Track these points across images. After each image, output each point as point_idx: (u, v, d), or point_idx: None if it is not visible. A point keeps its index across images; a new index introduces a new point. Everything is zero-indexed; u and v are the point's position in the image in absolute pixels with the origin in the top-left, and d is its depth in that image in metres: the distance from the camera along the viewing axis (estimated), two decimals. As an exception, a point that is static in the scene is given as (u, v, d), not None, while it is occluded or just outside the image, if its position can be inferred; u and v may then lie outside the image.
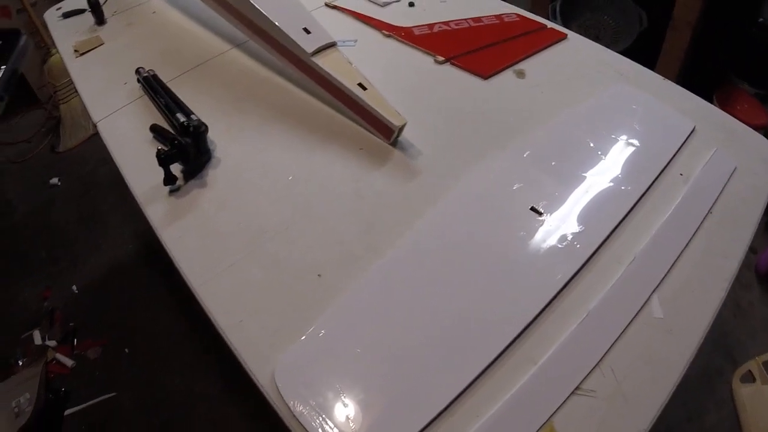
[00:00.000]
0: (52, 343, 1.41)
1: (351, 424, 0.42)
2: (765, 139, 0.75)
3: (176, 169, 0.65)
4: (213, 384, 1.24)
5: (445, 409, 0.43)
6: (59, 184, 1.83)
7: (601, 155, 0.65)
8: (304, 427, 0.42)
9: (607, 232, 0.56)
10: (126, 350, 1.37)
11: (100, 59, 0.89)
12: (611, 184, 0.62)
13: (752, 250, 1.55)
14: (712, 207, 0.62)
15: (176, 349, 1.31)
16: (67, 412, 1.28)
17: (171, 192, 0.65)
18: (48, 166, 1.90)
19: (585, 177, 0.62)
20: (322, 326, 0.49)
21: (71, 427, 1.25)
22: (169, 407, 1.24)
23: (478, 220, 0.57)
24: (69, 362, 1.38)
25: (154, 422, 1.23)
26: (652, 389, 0.46)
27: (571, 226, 0.57)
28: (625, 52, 1.44)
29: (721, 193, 0.64)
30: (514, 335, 0.47)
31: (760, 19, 1.27)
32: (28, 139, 1.98)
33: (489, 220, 0.58)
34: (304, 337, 0.48)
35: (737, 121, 0.76)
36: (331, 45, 0.70)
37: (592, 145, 0.66)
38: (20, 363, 1.38)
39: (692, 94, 0.77)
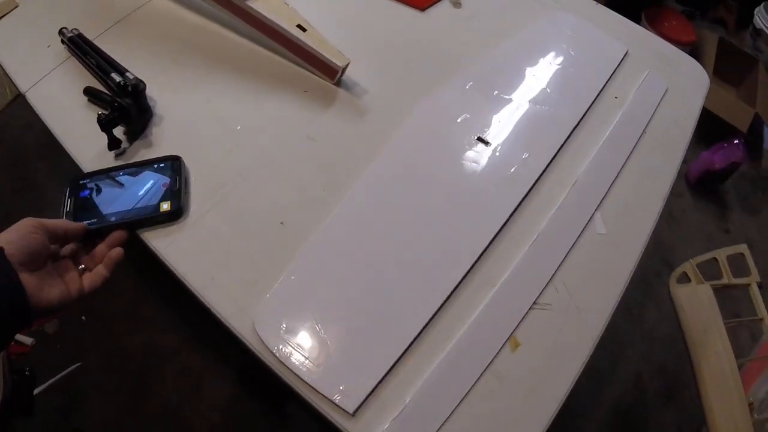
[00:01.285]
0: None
1: (335, 359, 0.45)
2: (694, 60, 0.79)
3: (119, 131, 0.61)
4: (176, 336, 1.23)
5: (417, 336, 0.46)
6: (-17, 154, 1.69)
7: (541, 83, 0.67)
8: (292, 371, 0.44)
9: (551, 157, 0.59)
10: (83, 318, 1.34)
11: (18, 23, 0.80)
12: (552, 110, 0.64)
13: (683, 159, 1.66)
14: (645, 128, 0.66)
15: (133, 307, 1.28)
16: (36, 390, 1.26)
17: (117, 156, 0.61)
18: (-34, 137, 1.74)
19: (527, 105, 0.65)
20: (292, 272, 0.50)
21: (43, 405, 1.24)
22: (138, 366, 1.24)
23: (429, 155, 0.59)
24: (28, 340, 1.34)
25: (126, 384, 1.23)
26: (600, 298, 0.51)
27: (517, 153, 0.59)
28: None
29: (653, 114, 0.68)
30: (472, 261, 0.50)
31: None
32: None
33: (439, 153, 0.59)
34: (276, 286, 0.49)
35: (668, 43, 0.79)
36: (267, -15, 0.66)
37: (531, 73, 0.68)
38: (-24, 347, 1.33)
39: (624, 18, 0.79)
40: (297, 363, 0.44)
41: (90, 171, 0.58)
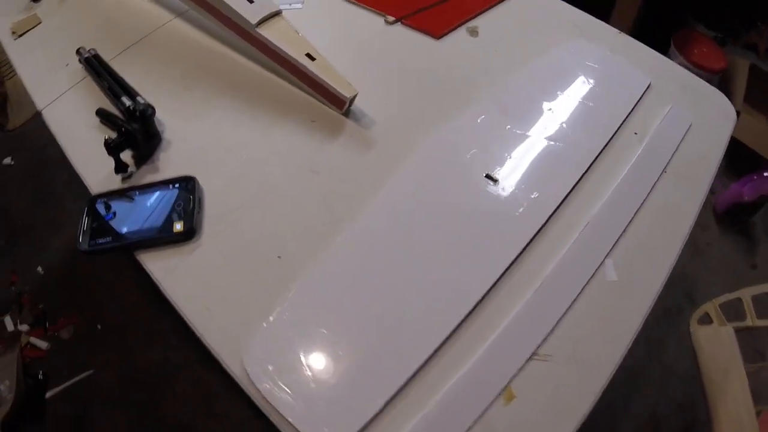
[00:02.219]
0: (24, 327, 1.39)
1: (322, 401, 0.44)
2: (720, 93, 0.76)
3: (127, 155, 0.62)
4: (189, 352, 1.25)
5: (408, 381, 0.45)
6: (12, 163, 1.75)
7: (557, 117, 0.65)
8: (277, 409, 0.43)
9: (561, 198, 0.57)
10: (98, 326, 1.36)
11: (39, 40, 0.82)
12: (567, 147, 0.62)
13: (711, 190, 1.60)
14: (666, 166, 0.63)
15: (148, 321, 1.30)
16: (49, 394, 1.28)
17: (123, 180, 0.62)
18: (-1, 145, 1.81)
19: (540, 141, 0.62)
20: (285, 309, 0.49)
21: (55, 409, 1.26)
22: (150, 379, 1.26)
23: (432, 192, 0.57)
24: (43, 344, 1.37)
25: (136, 396, 1.24)
26: (606, 351, 0.48)
27: (526, 193, 0.57)
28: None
29: (676, 150, 0.65)
30: (471, 306, 0.48)
31: (720, -40, 1.26)
32: (-26, 118, 1.87)
33: (443, 191, 0.57)
34: (269, 321, 0.48)
35: (693, 75, 0.76)
36: (277, 14, 0.66)
37: (547, 107, 0.66)
38: (-6, 352, 1.36)
39: (648, 47, 0.77)
40: (282, 402, 0.43)
41: (106, 191, 0.59)
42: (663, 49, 1.51)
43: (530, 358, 0.47)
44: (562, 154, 0.61)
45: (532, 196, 0.56)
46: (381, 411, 0.43)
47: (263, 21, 0.66)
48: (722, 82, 1.62)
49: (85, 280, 1.46)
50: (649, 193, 0.59)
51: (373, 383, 0.44)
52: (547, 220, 0.55)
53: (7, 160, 1.75)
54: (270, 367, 0.45)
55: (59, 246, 1.54)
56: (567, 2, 0.82)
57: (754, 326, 1.07)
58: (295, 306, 0.49)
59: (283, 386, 0.44)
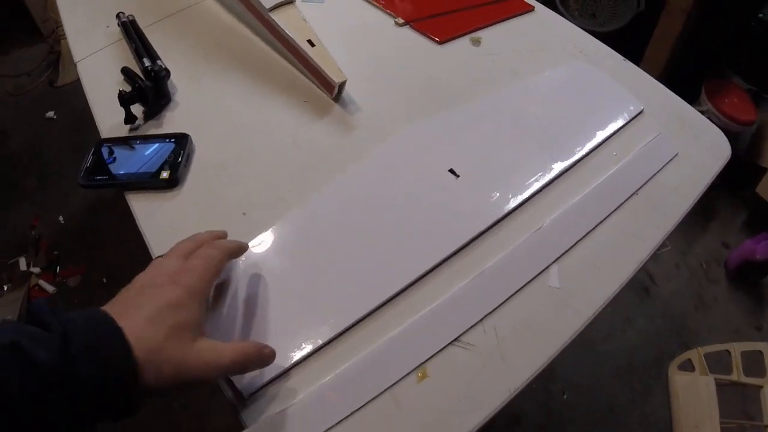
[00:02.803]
0: (36, 269, 1.48)
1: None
2: (720, 132, 0.75)
3: (138, 110, 0.68)
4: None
5: (329, 342, 0.47)
6: (55, 117, 1.87)
7: (538, 128, 0.66)
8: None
9: (519, 201, 0.58)
10: (104, 280, 1.43)
11: (87, 1, 0.90)
12: (541, 157, 0.63)
13: (725, 245, 1.56)
14: (639, 189, 0.63)
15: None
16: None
17: (131, 130, 0.68)
18: (45, 99, 1.94)
19: (514, 147, 0.64)
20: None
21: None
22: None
23: (395, 176, 0.60)
24: (50, 288, 1.45)
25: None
26: (530, 354, 0.48)
27: (485, 191, 0.59)
28: (617, 33, 1.43)
29: (653, 176, 0.65)
30: (407, 282, 0.51)
31: (760, 15, 1.24)
32: (29, 72, 2.01)
33: (406, 176, 0.60)
34: None
35: (694, 109, 0.76)
36: (290, 2, 0.72)
37: (531, 117, 0.68)
38: (5, 288, 1.45)
39: (651, 78, 0.77)
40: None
41: (113, 137, 0.66)
42: (693, 96, 1.49)
43: (451, 343, 0.48)
44: (532, 162, 0.62)
45: (491, 195, 0.58)
46: (299, 364, 0.46)
47: (276, 7, 0.71)
48: (754, 138, 1.58)
49: (100, 236, 1.54)
50: (613, 212, 0.60)
51: (295, 339, 0.47)
52: (501, 219, 0.57)
53: (50, 114, 1.87)
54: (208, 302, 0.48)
55: (82, 200, 1.63)
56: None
57: (739, 381, 1.03)
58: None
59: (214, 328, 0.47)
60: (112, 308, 0.36)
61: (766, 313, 1.43)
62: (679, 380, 1.06)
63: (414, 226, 0.55)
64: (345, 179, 0.60)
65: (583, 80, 0.73)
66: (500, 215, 0.56)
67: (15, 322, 0.33)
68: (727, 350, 1.06)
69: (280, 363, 0.45)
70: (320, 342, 0.47)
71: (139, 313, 0.36)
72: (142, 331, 0.34)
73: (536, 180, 0.60)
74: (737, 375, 1.03)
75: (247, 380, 0.44)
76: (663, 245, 0.64)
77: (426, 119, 0.67)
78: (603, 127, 0.67)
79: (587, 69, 0.75)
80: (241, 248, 0.49)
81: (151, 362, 0.34)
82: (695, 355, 1.09)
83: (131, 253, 1.42)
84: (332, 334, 0.47)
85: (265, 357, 0.42)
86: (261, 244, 0.54)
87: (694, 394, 1.02)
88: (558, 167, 0.62)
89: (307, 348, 0.46)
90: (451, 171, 0.60)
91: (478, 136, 0.65)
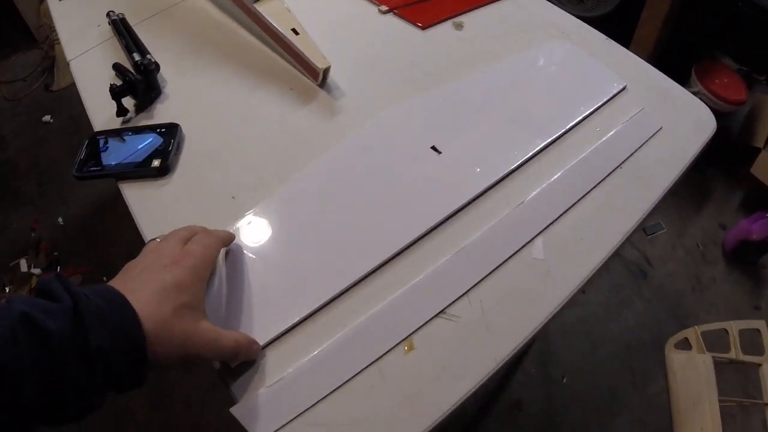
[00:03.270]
0: (37, 271, 1.49)
1: (233, 316, 0.48)
2: (704, 105, 0.75)
3: (129, 103, 0.70)
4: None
5: (313, 313, 0.49)
6: (51, 121, 1.88)
7: (518, 106, 0.67)
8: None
9: (500, 175, 0.58)
10: (104, 279, 1.44)
11: (79, 2, 0.92)
12: (520, 132, 0.64)
13: (721, 226, 1.56)
14: (623, 162, 0.63)
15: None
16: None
17: (123, 123, 0.69)
18: (42, 104, 1.95)
19: (494, 125, 0.65)
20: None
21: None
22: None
23: (376, 155, 0.61)
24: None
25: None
26: (515, 324, 0.49)
27: (467, 166, 0.60)
28: (606, 18, 1.43)
29: (637, 150, 0.65)
30: (385, 257, 0.51)
31: (748, -7, 1.24)
32: (24, 77, 2.03)
33: (387, 155, 0.61)
34: None
35: (678, 85, 0.76)
36: (273, -7, 0.73)
37: (511, 95, 0.68)
38: (7, 289, 1.47)
39: (635, 56, 0.77)
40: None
41: (105, 129, 0.67)
42: (684, 78, 1.49)
43: (437, 315, 0.48)
44: (513, 139, 0.63)
45: (475, 170, 0.59)
46: (281, 338, 0.47)
47: (259, -1, 0.72)
48: (747, 118, 1.58)
49: (100, 237, 1.55)
50: (597, 185, 0.60)
51: (278, 311, 0.48)
52: (483, 193, 0.57)
53: (47, 118, 1.89)
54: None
55: (81, 201, 1.65)
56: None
57: (737, 360, 1.03)
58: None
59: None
60: (118, 284, 0.37)
61: (764, 292, 1.43)
62: (676, 358, 1.06)
63: (397, 201, 0.56)
64: (326, 159, 0.61)
65: (563, 59, 0.74)
66: (481, 189, 0.57)
67: (25, 297, 0.34)
68: (725, 329, 1.06)
69: (266, 334, 0.46)
70: (303, 314, 0.48)
71: (146, 289, 0.37)
72: (151, 306, 0.35)
73: (517, 155, 0.61)
74: (735, 353, 1.03)
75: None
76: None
77: (407, 100, 0.68)
78: (584, 104, 0.68)
79: (567, 48, 0.75)
80: (231, 238, 0.51)
81: (159, 336, 0.35)
82: (692, 333, 1.09)
83: (130, 253, 1.43)
84: (315, 306, 0.48)
85: (253, 352, 0.44)
86: (247, 223, 0.55)
87: (691, 372, 1.02)
88: (538, 143, 0.62)
89: (291, 320, 0.47)
90: (433, 148, 0.61)
91: (459, 114, 0.66)
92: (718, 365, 1.05)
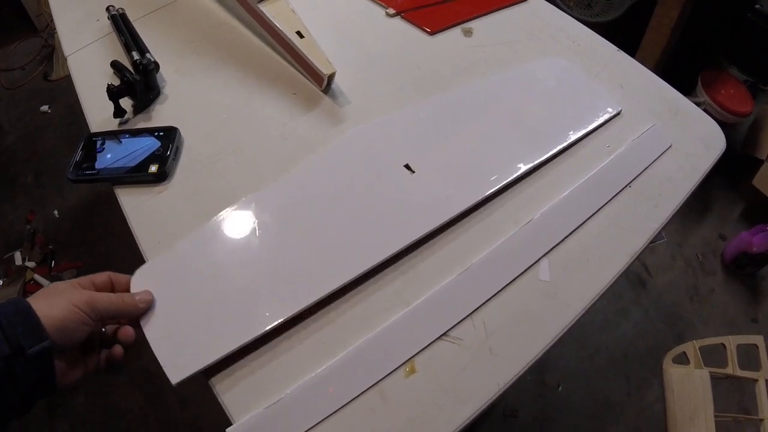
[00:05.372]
0: (32, 264, 1.48)
1: (188, 332, 0.47)
2: (714, 122, 0.74)
3: (127, 103, 0.68)
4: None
5: (295, 322, 0.48)
6: (50, 111, 1.86)
7: (509, 123, 0.65)
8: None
9: (479, 198, 0.57)
10: (99, 274, 1.43)
11: None
12: (514, 149, 0.62)
13: (722, 237, 1.55)
14: (632, 181, 0.62)
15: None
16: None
17: (120, 124, 0.68)
18: (40, 93, 1.93)
19: (478, 143, 0.63)
20: (182, 244, 0.53)
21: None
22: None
23: (350, 169, 0.59)
24: (46, 282, 1.44)
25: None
26: (519, 348, 0.48)
27: (444, 188, 0.58)
28: (613, 24, 1.41)
29: (647, 168, 0.64)
30: (362, 270, 0.50)
31: (757, 5, 1.23)
32: (23, 66, 2.00)
33: (359, 170, 0.59)
34: (170, 249, 0.53)
35: (689, 101, 0.75)
36: (278, -7, 0.71)
37: (503, 111, 0.66)
38: (0, 282, 1.45)
39: (645, 68, 0.76)
40: (151, 321, 0.47)
41: (102, 131, 0.65)
42: (689, 87, 1.48)
43: (440, 338, 0.47)
44: (504, 157, 0.61)
45: (447, 191, 0.57)
46: (276, 358, 0.46)
47: (265, -1, 0.70)
48: (751, 129, 1.57)
49: (95, 230, 1.53)
50: (605, 204, 0.59)
51: (246, 325, 0.47)
52: (478, 206, 0.57)
53: (45, 108, 1.86)
54: (156, 284, 0.49)
55: (77, 194, 1.63)
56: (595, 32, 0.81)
57: (734, 375, 1.03)
58: (195, 241, 0.53)
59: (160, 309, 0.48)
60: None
61: (761, 304, 1.43)
62: (673, 373, 1.06)
63: (386, 212, 0.55)
64: (305, 166, 0.60)
65: (561, 77, 0.72)
66: (459, 210, 0.55)
67: None
68: (723, 343, 1.06)
69: (211, 354, 0.45)
70: (272, 322, 0.46)
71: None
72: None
73: (507, 173, 0.59)
74: (732, 368, 1.03)
75: (175, 366, 0.44)
76: (658, 237, 0.63)
77: (390, 114, 0.66)
78: (581, 123, 0.66)
79: (565, 66, 0.73)
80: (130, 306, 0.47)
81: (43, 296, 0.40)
82: (690, 348, 1.09)
83: (126, 247, 1.41)
84: (286, 315, 0.47)
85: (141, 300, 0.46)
86: (210, 230, 0.54)
87: (688, 387, 1.02)
88: (530, 162, 0.60)
89: (253, 332, 0.46)
90: (407, 166, 0.59)
91: (442, 132, 0.63)
92: (715, 379, 1.05)
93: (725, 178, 1.65)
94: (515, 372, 0.47)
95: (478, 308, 0.50)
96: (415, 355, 0.47)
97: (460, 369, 0.46)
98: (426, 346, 0.47)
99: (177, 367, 0.44)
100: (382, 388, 0.45)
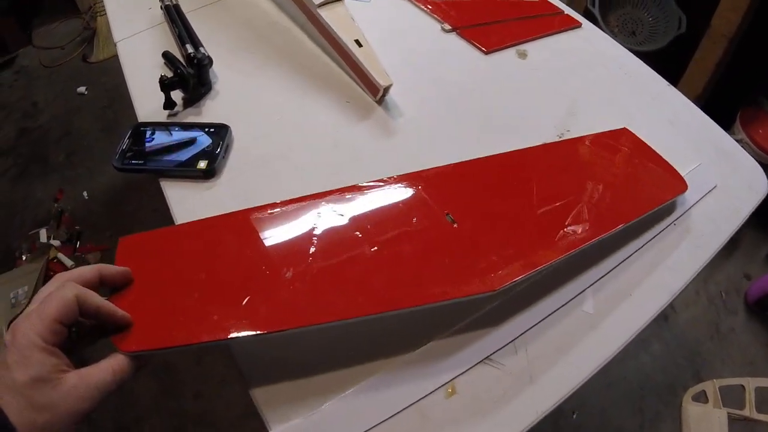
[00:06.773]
0: (56, 242, 1.50)
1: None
2: (758, 166, 0.73)
3: (177, 96, 0.68)
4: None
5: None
6: (86, 93, 1.89)
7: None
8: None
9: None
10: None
11: None
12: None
13: (746, 276, 1.53)
14: (677, 219, 0.62)
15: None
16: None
17: (169, 116, 0.68)
18: (78, 74, 1.96)
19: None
20: None
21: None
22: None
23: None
24: (69, 262, 1.46)
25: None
26: (560, 378, 0.48)
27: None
28: (657, 54, 1.41)
29: (691, 207, 0.64)
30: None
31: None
32: (63, 46, 2.04)
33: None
34: None
35: (733, 140, 0.74)
36: (338, 0, 0.71)
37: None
38: (24, 257, 1.47)
39: (692, 104, 0.75)
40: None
41: (151, 121, 0.66)
42: (728, 123, 1.46)
43: (482, 361, 0.47)
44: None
45: None
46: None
47: (325, 3, 0.71)
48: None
49: (124, 216, 1.55)
50: (650, 240, 0.59)
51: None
52: None
53: (81, 89, 1.89)
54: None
55: (108, 177, 1.65)
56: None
57: (751, 417, 1.01)
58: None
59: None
60: None
61: (782, 347, 1.40)
62: (692, 411, 1.05)
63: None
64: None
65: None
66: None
67: None
68: (742, 385, 1.04)
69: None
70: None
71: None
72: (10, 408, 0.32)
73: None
74: (750, 410, 1.01)
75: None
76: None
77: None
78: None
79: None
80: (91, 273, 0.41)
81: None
82: (710, 386, 1.07)
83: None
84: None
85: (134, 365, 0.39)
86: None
87: (706, 426, 1.00)
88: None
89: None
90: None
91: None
92: (732, 420, 1.04)
93: (754, 217, 1.62)
94: (554, 401, 0.47)
95: (522, 334, 0.50)
96: (457, 376, 0.46)
97: (500, 394, 0.46)
98: (468, 368, 0.47)
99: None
100: (422, 407, 0.45)
